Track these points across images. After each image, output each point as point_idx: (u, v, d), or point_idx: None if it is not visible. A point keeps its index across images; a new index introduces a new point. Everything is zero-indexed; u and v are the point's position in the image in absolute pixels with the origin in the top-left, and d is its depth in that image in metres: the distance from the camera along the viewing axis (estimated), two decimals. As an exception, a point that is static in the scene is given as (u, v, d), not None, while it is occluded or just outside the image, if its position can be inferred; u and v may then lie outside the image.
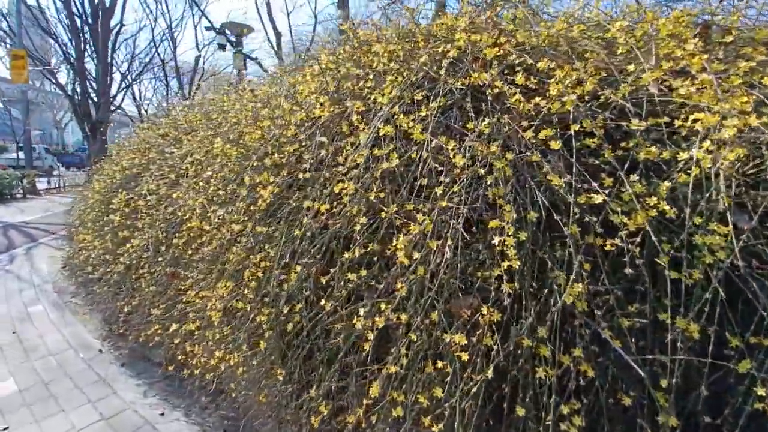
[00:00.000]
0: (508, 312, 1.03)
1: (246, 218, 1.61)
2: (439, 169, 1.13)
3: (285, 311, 1.36)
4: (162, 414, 2.40)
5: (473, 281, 1.11)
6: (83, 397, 2.56)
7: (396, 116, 1.22)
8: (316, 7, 15.11)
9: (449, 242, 1.04)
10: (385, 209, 1.19)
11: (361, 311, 1.12)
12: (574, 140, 1.05)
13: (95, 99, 16.60)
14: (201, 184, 2.18)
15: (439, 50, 1.30)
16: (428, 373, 1.07)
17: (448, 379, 1.03)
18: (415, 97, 1.24)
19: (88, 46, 8.68)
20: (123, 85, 15.82)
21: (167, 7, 21.01)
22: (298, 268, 1.29)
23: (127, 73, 15.49)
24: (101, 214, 3.26)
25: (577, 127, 1.05)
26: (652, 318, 1.00)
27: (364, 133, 1.29)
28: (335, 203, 1.31)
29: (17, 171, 12.87)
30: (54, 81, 14.65)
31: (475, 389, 0.99)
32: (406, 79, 1.31)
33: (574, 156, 1.04)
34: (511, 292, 0.99)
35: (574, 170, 1.02)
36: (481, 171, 1.07)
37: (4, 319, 3.75)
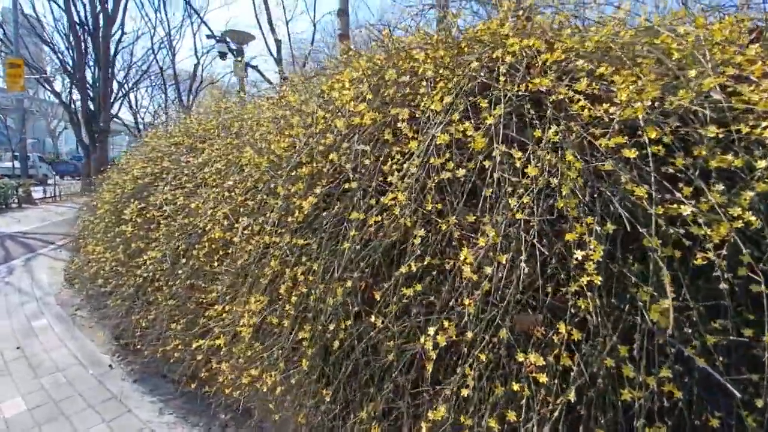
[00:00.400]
0: (585, 330, 0.98)
1: (281, 229, 1.54)
2: (508, 178, 1.08)
3: (330, 327, 1.29)
4: (181, 434, 2.31)
5: (539, 297, 1.05)
6: (96, 417, 2.45)
7: (454, 124, 1.17)
8: (315, 16, 15.18)
9: (522, 256, 0.99)
10: (441, 221, 1.14)
11: (431, 329, 1.06)
12: (648, 148, 1.00)
13: (92, 107, 16.50)
14: (225, 194, 2.11)
15: (493, 56, 1.25)
16: (498, 395, 1.01)
17: (524, 402, 0.97)
18: (476, 104, 1.19)
19: (88, 54, 8.61)
20: (120, 93, 15.75)
21: (166, 15, 21.00)
22: (349, 282, 1.23)
23: (124, 81, 15.42)
24: (112, 224, 3.18)
25: (654, 134, 1.00)
26: (736, 334, 0.95)
27: (417, 141, 1.24)
28: (384, 214, 1.26)
29: (12, 180, 12.70)
30: (50, 89, 14.55)
31: (556, 413, 0.93)
32: (456, 86, 1.26)
33: (651, 165, 0.99)
34: (591, 309, 0.93)
35: (652, 180, 0.98)
36: (554, 181, 1.02)
37: (8, 335, 3.63)
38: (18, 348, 3.38)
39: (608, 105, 1.09)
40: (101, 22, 7.13)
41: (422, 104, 1.30)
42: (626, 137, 1.05)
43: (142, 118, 22.24)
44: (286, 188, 1.60)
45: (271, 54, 13.98)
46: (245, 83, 10.76)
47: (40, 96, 30.36)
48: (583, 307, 0.95)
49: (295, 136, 1.76)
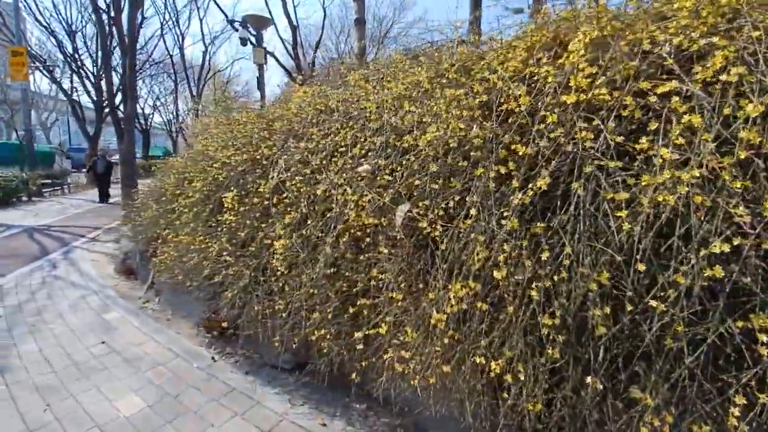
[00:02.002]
0: None
1: (506, 212, 1.45)
2: None
3: (599, 312, 1.22)
4: (324, 425, 2.24)
5: None
6: (226, 410, 2.37)
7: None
8: (324, 2, 14.81)
9: None
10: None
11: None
12: None
13: (95, 97, 15.94)
14: (385, 178, 2.00)
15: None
16: None
17: None
18: None
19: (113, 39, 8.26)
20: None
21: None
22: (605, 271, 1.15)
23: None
24: (206, 213, 3.06)
25: None
26: None
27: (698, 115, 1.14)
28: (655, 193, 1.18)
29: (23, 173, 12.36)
30: (51, 79, 14.07)
31: None
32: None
33: None
34: None
35: None
36: None
37: (84, 329, 3.52)
38: (103, 342, 3.27)
39: None
40: (125, 5, 6.83)
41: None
42: None
43: (142, 109, 21.71)
44: (493, 170, 1.52)
45: (282, 41, 13.66)
46: (265, 70, 10.51)
47: (30, 87, 29.52)
48: None
49: (476, 117, 1.66)
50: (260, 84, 10.03)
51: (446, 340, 1.62)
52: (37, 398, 2.51)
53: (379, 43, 16.22)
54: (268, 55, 8.77)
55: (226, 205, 2.83)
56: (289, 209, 2.46)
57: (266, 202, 2.67)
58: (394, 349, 1.86)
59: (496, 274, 1.48)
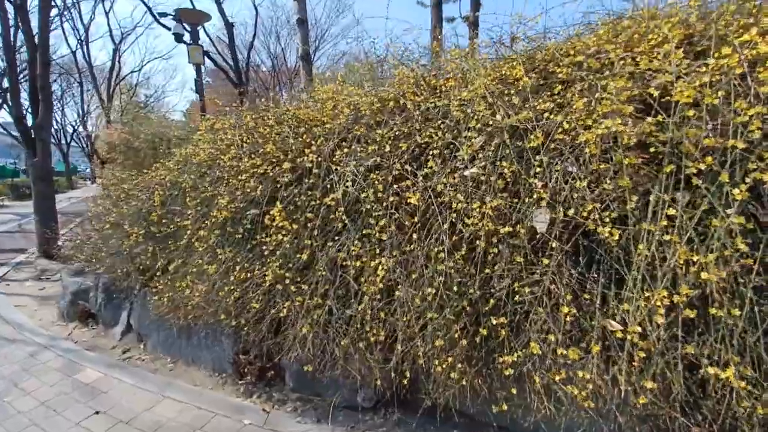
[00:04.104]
0: None
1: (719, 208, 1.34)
2: None
3: None
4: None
5: None
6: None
7: None
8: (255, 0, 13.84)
9: None
10: None
11: None
12: None
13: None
14: (500, 182, 1.79)
15: None
16: None
17: None
18: None
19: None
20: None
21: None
22: None
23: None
24: (243, 236, 2.51)
25: None
26: None
27: None
28: None
29: None
30: None
31: None
32: None
33: None
34: None
35: None
36: None
37: (62, 399, 2.70)
38: (98, 413, 2.53)
39: None
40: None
41: None
42: None
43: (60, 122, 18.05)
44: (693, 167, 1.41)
45: (209, 37, 12.50)
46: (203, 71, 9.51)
47: None
48: None
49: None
50: (198, 86, 9.01)
51: (641, 354, 1.48)
52: None
53: (317, 46, 15.72)
54: (193, 52, 7.81)
55: (275, 223, 2.36)
56: (370, 223, 2.12)
57: (332, 216, 2.28)
58: (553, 372, 1.67)
59: (703, 275, 1.38)
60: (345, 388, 2.39)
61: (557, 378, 1.63)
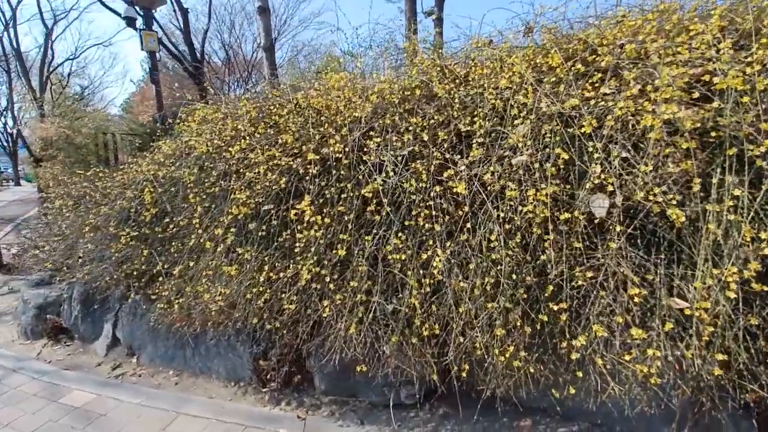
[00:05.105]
0: None
1: None
2: None
3: None
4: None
5: None
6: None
7: None
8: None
9: None
10: None
11: None
12: None
13: None
14: (552, 169, 1.79)
15: None
16: None
17: None
18: None
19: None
20: None
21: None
22: None
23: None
24: (268, 233, 2.31)
25: None
26: None
27: None
28: None
29: None
30: None
31: None
32: None
33: None
34: None
35: None
36: None
37: (54, 428, 2.37)
38: (103, 438, 2.25)
39: None
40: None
41: None
42: None
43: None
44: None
45: (160, 25, 11.54)
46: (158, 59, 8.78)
47: None
48: None
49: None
50: (153, 75, 8.31)
51: (709, 329, 1.55)
52: None
53: (278, 33, 15.05)
54: (146, 38, 7.12)
55: (306, 218, 2.21)
56: (412, 214, 2.06)
57: (369, 209, 2.18)
58: (619, 353, 1.71)
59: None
60: (385, 386, 2.31)
61: (627, 358, 1.67)
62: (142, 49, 8.12)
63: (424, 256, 1.98)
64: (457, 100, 2.22)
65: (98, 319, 3.34)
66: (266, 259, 2.28)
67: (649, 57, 1.97)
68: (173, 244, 2.70)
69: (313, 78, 3.30)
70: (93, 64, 31.91)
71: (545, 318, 1.83)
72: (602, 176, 1.75)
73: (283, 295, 2.21)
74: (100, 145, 11.74)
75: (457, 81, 2.41)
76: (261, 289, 2.22)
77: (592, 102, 1.91)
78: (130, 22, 7.75)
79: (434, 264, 1.94)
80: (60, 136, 10.51)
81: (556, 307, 1.80)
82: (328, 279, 2.12)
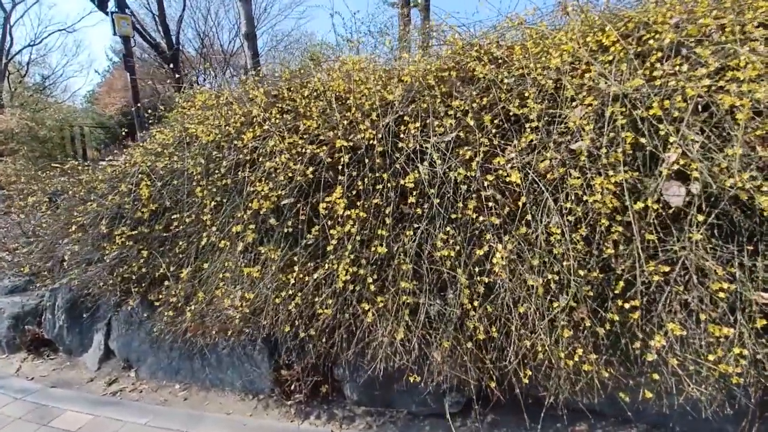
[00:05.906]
0: None
1: None
2: None
3: None
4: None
5: None
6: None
7: None
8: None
9: None
10: None
11: None
12: None
13: None
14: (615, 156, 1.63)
15: None
16: None
17: None
18: None
19: None
20: None
21: None
22: None
23: None
24: (294, 230, 2.06)
25: None
26: None
27: None
28: None
29: None
30: None
31: None
32: None
33: None
34: None
35: None
36: None
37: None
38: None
39: None
40: None
41: None
42: None
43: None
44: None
45: (130, 10, 10.81)
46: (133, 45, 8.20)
47: None
48: None
49: None
50: (128, 62, 7.75)
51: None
52: None
53: (258, 22, 14.41)
54: (119, 22, 6.57)
55: (339, 212, 1.98)
56: (458, 206, 1.87)
57: (408, 201, 1.97)
58: (701, 352, 1.59)
59: None
60: (427, 394, 2.12)
61: (711, 358, 1.55)
62: (115, 34, 7.56)
63: (480, 252, 1.79)
64: (505, 82, 2.04)
65: (87, 329, 2.99)
66: (294, 258, 2.04)
67: (710, 36, 1.85)
68: (178, 243, 2.40)
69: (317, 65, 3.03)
70: (55, 52, 29.71)
71: (616, 317, 1.69)
72: (681, 161, 1.61)
73: (316, 299, 1.98)
74: (67, 139, 10.95)
75: (500, 61, 2.22)
76: (291, 292, 1.98)
77: (658, 82, 1.77)
78: (102, 4, 7.17)
79: (494, 260, 1.75)
80: (22, 129, 9.71)
81: (627, 305, 1.66)
82: (369, 280, 1.90)
